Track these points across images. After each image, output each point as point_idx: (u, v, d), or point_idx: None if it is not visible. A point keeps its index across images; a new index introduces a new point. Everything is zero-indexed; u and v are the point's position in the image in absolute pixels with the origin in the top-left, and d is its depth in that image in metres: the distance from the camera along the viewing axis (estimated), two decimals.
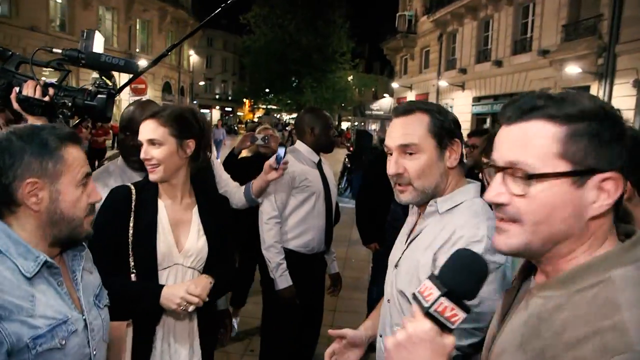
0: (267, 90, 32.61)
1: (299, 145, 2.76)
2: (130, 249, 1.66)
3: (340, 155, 13.84)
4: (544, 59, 13.64)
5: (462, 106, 19.08)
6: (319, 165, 2.76)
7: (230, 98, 48.47)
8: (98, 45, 1.61)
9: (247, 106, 45.66)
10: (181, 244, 1.72)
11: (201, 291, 1.62)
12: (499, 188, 0.79)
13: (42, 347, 1.04)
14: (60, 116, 1.51)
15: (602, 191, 0.73)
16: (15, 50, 1.70)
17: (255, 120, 37.70)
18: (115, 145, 15.44)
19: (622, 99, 11.22)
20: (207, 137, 1.79)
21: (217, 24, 40.91)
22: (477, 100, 18.55)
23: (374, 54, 41.03)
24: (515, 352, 0.78)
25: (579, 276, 0.74)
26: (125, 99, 18.60)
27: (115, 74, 1.66)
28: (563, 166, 0.74)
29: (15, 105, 1.50)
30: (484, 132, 4.18)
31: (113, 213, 1.67)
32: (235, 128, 40.08)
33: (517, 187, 0.76)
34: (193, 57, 32.17)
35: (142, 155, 1.66)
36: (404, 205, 1.54)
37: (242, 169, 3.17)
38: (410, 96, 24.70)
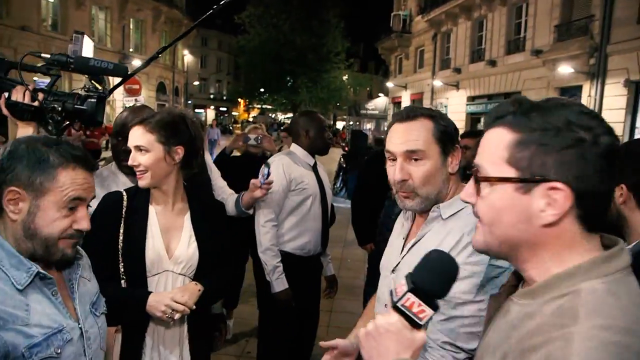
0: (262, 90, 32.57)
1: (295, 148, 2.77)
2: (120, 255, 1.67)
3: (335, 154, 13.84)
4: (537, 58, 13.73)
5: (456, 105, 19.16)
6: (314, 168, 2.77)
7: (225, 98, 48.32)
8: (87, 49, 1.61)
9: (242, 106, 45.56)
10: (172, 251, 1.71)
11: (187, 299, 1.62)
12: (470, 189, 0.84)
13: (37, 356, 1.04)
14: (50, 121, 1.49)
15: (550, 200, 0.74)
16: (5, 50, 1.71)
17: (251, 120, 37.63)
18: (110, 146, 15.31)
19: (613, 98, 11.32)
20: (198, 143, 1.79)
21: (211, 23, 40.74)
22: (471, 99, 18.62)
23: (369, 53, 41.13)
24: (490, 357, 0.80)
25: (551, 286, 0.75)
26: (119, 99, 18.51)
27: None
28: (508, 172, 0.77)
29: (4, 111, 1.48)
30: (477, 133, 4.19)
31: (104, 219, 1.67)
32: (230, 128, 39.97)
33: (477, 189, 0.82)
34: (187, 57, 32.03)
35: (129, 162, 1.68)
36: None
37: (232, 169, 3.17)
38: (405, 96, 24.76)
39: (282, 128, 8.02)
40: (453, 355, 1.21)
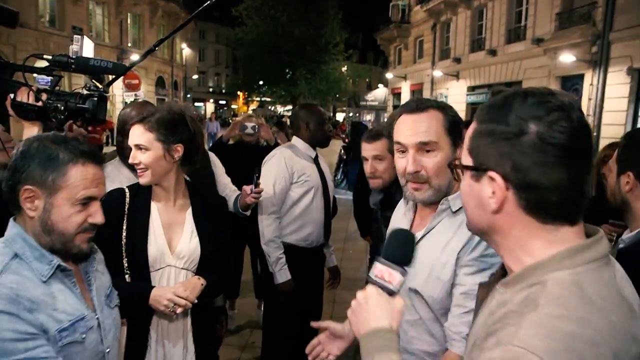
0: (260, 82, 32.41)
1: (296, 141, 2.78)
2: (123, 251, 1.71)
3: (336, 146, 13.83)
4: (538, 47, 13.62)
5: (456, 96, 19.09)
6: (315, 160, 2.78)
7: (224, 91, 48.19)
8: (88, 49, 1.63)
9: (241, 99, 45.43)
10: (174, 246, 1.75)
11: (189, 293, 1.65)
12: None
13: (66, 340, 1.10)
14: (54, 120, 1.54)
15: (493, 189, 0.78)
16: (4, 48, 1.74)
17: (250, 112, 37.51)
18: (112, 141, 15.35)
19: (616, 86, 11.25)
20: (198, 140, 1.82)
21: (209, 16, 40.53)
22: (471, 89, 18.55)
23: (368, 44, 40.87)
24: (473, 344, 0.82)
25: (523, 276, 0.78)
26: (119, 94, 18.47)
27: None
28: (468, 160, 0.83)
29: (10, 111, 1.54)
30: None
31: (107, 216, 1.68)
32: (230, 121, 39.88)
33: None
34: (186, 51, 31.90)
35: (130, 160, 1.71)
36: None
37: (227, 157, 3.19)
38: (405, 86, 24.67)
39: (274, 123, 7.95)
40: None
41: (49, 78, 1.61)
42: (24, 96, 1.51)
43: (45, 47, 15.31)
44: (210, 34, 47.05)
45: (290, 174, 2.63)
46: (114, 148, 2.30)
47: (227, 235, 1.91)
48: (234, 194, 2.50)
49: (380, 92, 33.54)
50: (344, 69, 33.33)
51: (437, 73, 20.43)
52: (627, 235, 1.61)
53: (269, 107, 41.17)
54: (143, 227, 1.72)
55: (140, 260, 1.71)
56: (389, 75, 26.75)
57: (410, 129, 1.30)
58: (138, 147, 1.69)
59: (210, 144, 5.00)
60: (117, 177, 2.06)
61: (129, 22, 22.77)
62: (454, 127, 1.31)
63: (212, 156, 2.72)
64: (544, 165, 0.74)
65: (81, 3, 18.96)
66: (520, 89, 0.80)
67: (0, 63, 1.60)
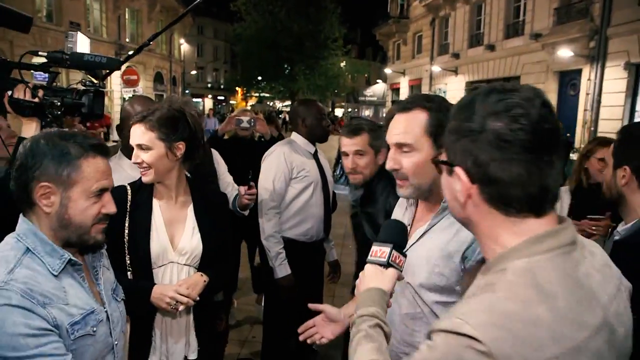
0: (259, 78, 32.32)
1: (295, 136, 2.80)
2: (126, 248, 1.72)
3: (335, 141, 13.77)
4: (537, 42, 13.61)
5: (455, 91, 19.07)
6: (315, 156, 2.80)
7: (222, 87, 48.00)
8: (84, 45, 1.64)
9: (239, 94, 45.32)
10: (176, 242, 1.76)
11: (191, 291, 1.67)
12: None
13: (78, 333, 1.12)
14: (50, 116, 1.56)
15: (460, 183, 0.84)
16: (2, 44, 1.75)
17: (249, 108, 37.34)
18: (109, 137, 15.30)
19: (613, 81, 11.26)
20: (199, 136, 1.82)
21: (207, 11, 40.33)
22: (470, 84, 18.52)
23: (367, 39, 40.78)
24: None
25: (493, 264, 0.82)
26: (117, 90, 18.42)
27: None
28: (444, 156, 0.89)
29: (8, 108, 1.56)
30: None
31: None
32: (228, 117, 39.66)
33: None
34: (184, 46, 31.75)
35: (132, 160, 1.72)
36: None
37: (224, 151, 3.20)
38: (404, 82, 24.64)
39: (264, 117, 7.89)
40: None
41: (46, 74, 1.63)
42: (20, 93, 1.53)
43: (42, 43, 15.22)
44: (208, 29, 46.81)
45: (289, 169, 2.65)
46: (113, 144, 2.31)
47: (228, 231, 1.93)
48: (234, 193, 2.52)
49: (379, 88, 33.47)
50: (343, 64, 33.22)
51: (436, 68, 20.41)
52: (622, 228, 1.64)
53: (268, 103, 41.07)
54: (145, 224, 1.73)
55: (143, 257, 1.72)
56: (387, 71, 26.71)
57: (392, 129, 1.36)
58: (140, 146, 1.70)
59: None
60: (117, 172, 2.07)
61: (126, 17, 22.63)
62: (439, 129, 1.30)
63: (215, 154, 2.74)
64: (502, 161, 0.77)
65: None
66: (487, 87, 0.84)
67: None
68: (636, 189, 1.57)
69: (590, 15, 11.77)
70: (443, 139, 0.88)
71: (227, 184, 2.61)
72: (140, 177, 1.77)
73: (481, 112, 0.79)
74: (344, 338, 1.40)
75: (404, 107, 1.37)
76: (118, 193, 1.75)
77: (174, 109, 1.76)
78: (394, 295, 1.44)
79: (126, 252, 1.72)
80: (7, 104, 1.55)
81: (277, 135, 3.83)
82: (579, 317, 0.72)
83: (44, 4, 17.75)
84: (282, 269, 2.65)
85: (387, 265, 1.10)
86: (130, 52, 2.01)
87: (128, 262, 1.72)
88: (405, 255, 1.15)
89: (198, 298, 1.68)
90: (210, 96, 46.60)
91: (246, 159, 3.07)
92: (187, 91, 34.73)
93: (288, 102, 34.15)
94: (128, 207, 1.75)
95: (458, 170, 0.83)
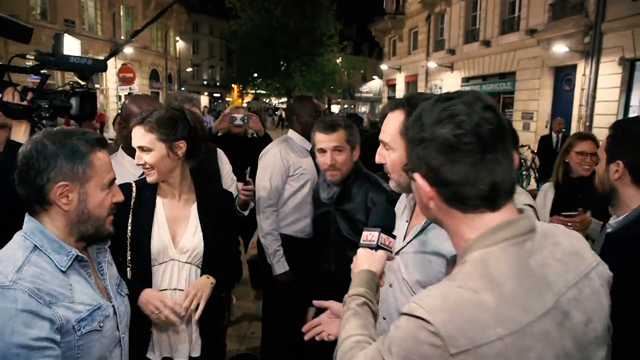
0: (255, 75, 32.21)
1: (291, 134, 2.82)
2: (128, 245, 1.74)
3: None
4: (532, 38, 13.63)
5: (451, 87, 19.10)
6: (311, 153, 2.81)
7: (218, 84, 47.84)
8: (71, 47, 1.65)
9: (235, 92, 45.18)
10: (177, 240, 1.77)
11: (188, 305, 1.65)
12: None
13: (85, 329, 1.15)
14: (36, 118, 1.57)
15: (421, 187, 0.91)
16: None
17: (245, 105, 37.32)
18: (104, 134, 15.22)
19: (608, 77, 11.32)
20: (199, 133, 1.84)
21: (203, 8, 40.09)
22: (465, 80, 18.56)
23: (362, 35, 40.67)
24: None
25: (459, 257, 0.89)
26: (113, 88, 18.33)
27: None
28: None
29: None
30: None
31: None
32: (222, 114, 39.51)
33: None
34: (179, 44, 31.63)
35: (135, 162, 1.74)
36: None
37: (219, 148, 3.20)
38: (400, 78, 24.64)
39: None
40: None
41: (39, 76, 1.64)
42: (9, 96, 1.53)
43: (37, 41, 15.07)
44: (204, 26, 46.61)
45: (286, 167, 2.67)
46: (110, 142, 2.33)
47: (231, 229, 1.94)
48: (236, 193, 2.53)
49: (375, 84, 33.47)
50: (339, 60, 33.11)
51: (432, 64, 20.41)
52: (614, 221, 1.67)
53: (264, 100, 40.96)
54: (147, 222, 1.75)
55: (143, 254, 1.74)
56: (383, 67, 26.69)
57: (383, 126, 1.43)
58: (141, 148, 1.71)
59: None
60: (117, 171, 2.09)
61: (121, 14, 22.50)
62: None
63: (220, 153, 2.75)
64: (450, 164, 0.84)
65: None
66: (434, 97, 0.91)
67: None
68: (629, 183, 1.60)
69: (585, 10, 11.81)
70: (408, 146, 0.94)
71: (230, 184, 2.62)
72: (144, 175, 1.79)
73: (428, 122, 0.86)
74: None
75: (392, 106, 1.43)
76: (123, 190, 1.78)
77: (172, 108, 1.77)
78: (392, 290, 1.49)
79: (128, 248, 1.74)
80: None
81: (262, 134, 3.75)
82: (524, 302, 0.78)
83: (38, 2, 17.63)
84: (280, 266, 2.68)
85: (376, 247, 1.19)
86: (126, 50, 2.02)
87: (128, 258, 1.74)
88: (394, 237, 1.23)
89: (203, 304, 1.68)
90: (206, 93, 46.44)
91: (240, 155, 3.07)
92: (182, 88, 34.57)
93: (284, 99, 34.07)
94: (132, 204, 1.77)
95: (416, 176, 0.90)
